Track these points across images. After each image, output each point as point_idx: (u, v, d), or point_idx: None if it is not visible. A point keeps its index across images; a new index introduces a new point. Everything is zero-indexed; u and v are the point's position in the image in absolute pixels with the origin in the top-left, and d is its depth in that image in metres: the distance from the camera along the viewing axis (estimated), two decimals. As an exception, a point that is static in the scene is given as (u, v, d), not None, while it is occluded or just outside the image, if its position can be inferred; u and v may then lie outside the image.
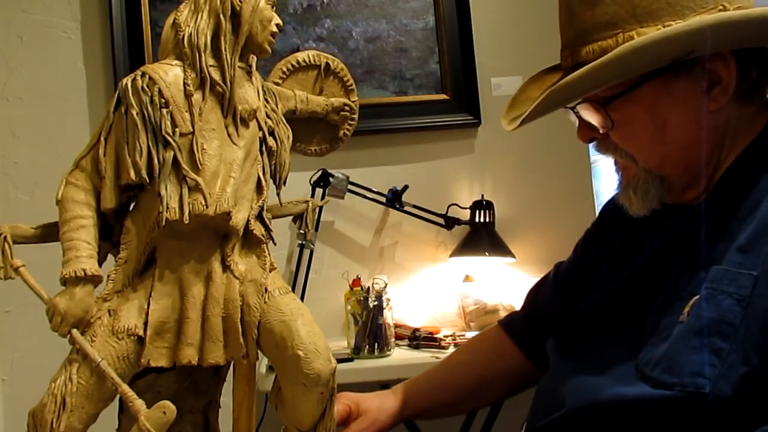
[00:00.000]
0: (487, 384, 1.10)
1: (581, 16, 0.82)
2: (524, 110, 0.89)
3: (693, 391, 0.72)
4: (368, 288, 1.75)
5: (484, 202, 2.01)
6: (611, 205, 1.01)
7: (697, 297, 0.76)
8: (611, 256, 0.95)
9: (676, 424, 0.73)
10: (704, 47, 0.75)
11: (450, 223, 2.00)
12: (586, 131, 0.88)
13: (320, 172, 1.89)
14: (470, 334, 1.84)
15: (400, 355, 1.72)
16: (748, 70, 0.79)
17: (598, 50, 0.80)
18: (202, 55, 0.83)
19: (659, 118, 0.80)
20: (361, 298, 1.73)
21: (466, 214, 2.01)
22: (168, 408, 0.76)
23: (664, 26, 0.76)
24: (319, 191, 1.90)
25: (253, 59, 0.90)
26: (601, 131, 0.85)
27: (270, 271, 0.85)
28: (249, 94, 0.87)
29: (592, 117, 0.84)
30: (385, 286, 1.74)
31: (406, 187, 1.95)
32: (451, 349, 1.71)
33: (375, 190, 1.95)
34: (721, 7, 0.77)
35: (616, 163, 0.90)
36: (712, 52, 0.77)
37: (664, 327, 0.78)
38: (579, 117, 0.87)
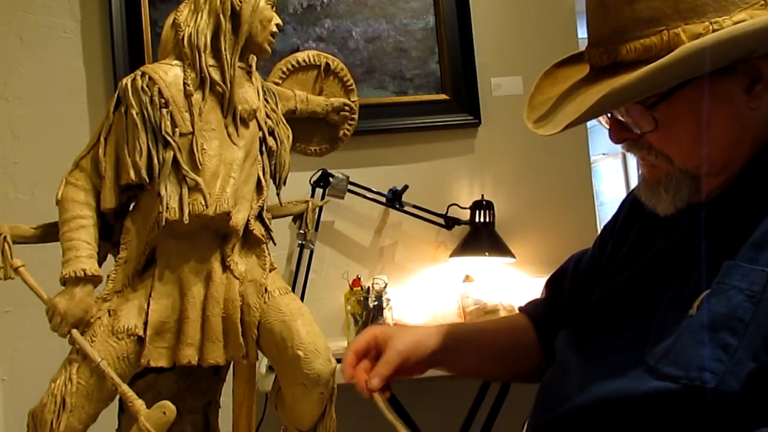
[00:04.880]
0: (515, 349, 1.08)
1: (619, 12, 0.79)
2: (543, 111, 0.87)
3: (699, 385, 0.71)
4: (368, 288, 1.75)
5: (484, 202, 2.00)
6: (629, 199, 1.00)
7: (707, 291, 0.76)
8: (625, 250, 0.94)
9: (682, 419, 0.73)
10: (765, 46, 0.74)
11: (450, 223, 2.00)
12: (621, 132, 0.84)
13: (320, 172, 1.89)
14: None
15: (400, 355, 1.71)
16: None
17: (640, 48, 0.77)
18: (202, 55, 0.83)
19: (702, 118, 0.78)
20: (361, 298, 1.72)
21: (466, 214, 2.01)
22: (168, 408, 0.76)
23: (710, 23, 0.74)
24: (319, 191, 1.90)
25: (253, 59, 0.90)
26: (638, 132, 0.83)
27: (270, 271, 0.85)
28: (249, 94, 0.87)
29: (633, 118, 0.82)
30: (385, 286, 1.73)
31: (406, 187, 1.95)
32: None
33: (375, 190, 1.94)
34: (762, 3, 0.75)
35: (641, 160, 0.87)
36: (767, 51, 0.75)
37: (672, 320, 0.78)
38: (611, 118, 0.85)
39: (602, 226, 1.07)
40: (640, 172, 0.88)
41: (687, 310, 0.77)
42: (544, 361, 1.05)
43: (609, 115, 0.84)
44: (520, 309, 1.12)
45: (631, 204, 0.95)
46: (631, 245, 0.93)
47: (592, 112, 0.78)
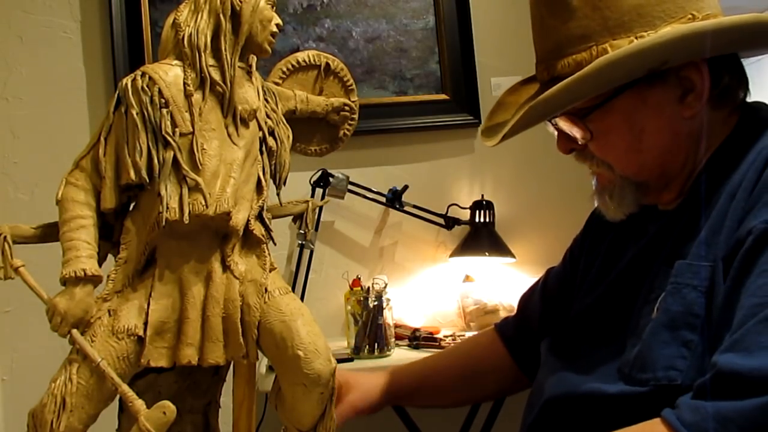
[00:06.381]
0: (471, 377, 1.13)
1: (554, 31, 0.83)
2: (501, 121, 0.91)
3: (666, 384, 0.74)
4: (368, 288, 1.75)
5: (484, 202, 2.01)
6: (597, 213, 1.03)
7: (664, 293, 0.78)
8: (598, 263, 0.97)
9: (652, 417, 0.74)
10: (678, 57, 0.77)
11: (450, 223, 2.00)
12: (566, 143, 0.90)
13: (320, 172, 1.89)
14: (470, 335, 1.84)
15: (400, 355, 1.72)
16: (720, 76, 0.81)
17: (573, 63, 0.81)
18: (202, 55, 0.83)
19: (636, 127, 0.82)
20: (361, 298, 1.73)
21: (466, 214, 2.01)
22: (168, 408, 0.76)
23: (636, 37, 0.78)
24: (319, 191, 1.90)
25: (253, 59, 0.90)
26: (580, 142, 0.87)
27: (270, 271, 0.85)
28: (249, 94, 0.87)
29: (571, 129, 0.86)
30: (385, 286, 1.74)
31: (406, 187, 1.95)
32: (451, 349, 1.70)
33: (375, 190, 1.95)
34: (690, 16, 0.78)
35: (590, 170, 0.92)
36: (685, 61, 0.78)
37: (642, 327, 0.80)
38: (558, 129, 0.89)
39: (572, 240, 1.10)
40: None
41: (652, 314, 0.79)
42: (519, 374, 1.09)
43: (556, 125, 0.88)
44: (495, 326, 1.17)
45: (600, 218, 0.98)
46: (605, 257, 0.96)
47: (522, 123, 0.84)
